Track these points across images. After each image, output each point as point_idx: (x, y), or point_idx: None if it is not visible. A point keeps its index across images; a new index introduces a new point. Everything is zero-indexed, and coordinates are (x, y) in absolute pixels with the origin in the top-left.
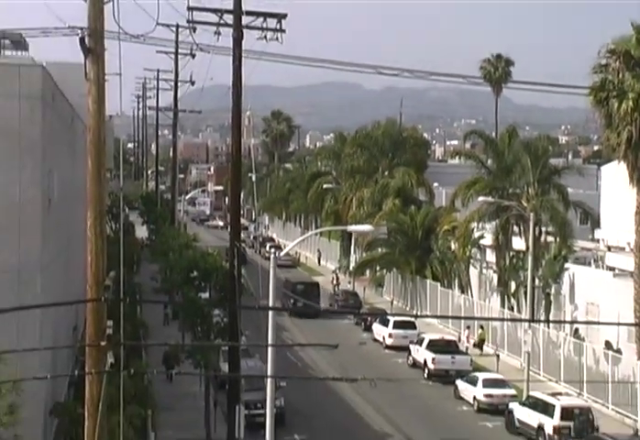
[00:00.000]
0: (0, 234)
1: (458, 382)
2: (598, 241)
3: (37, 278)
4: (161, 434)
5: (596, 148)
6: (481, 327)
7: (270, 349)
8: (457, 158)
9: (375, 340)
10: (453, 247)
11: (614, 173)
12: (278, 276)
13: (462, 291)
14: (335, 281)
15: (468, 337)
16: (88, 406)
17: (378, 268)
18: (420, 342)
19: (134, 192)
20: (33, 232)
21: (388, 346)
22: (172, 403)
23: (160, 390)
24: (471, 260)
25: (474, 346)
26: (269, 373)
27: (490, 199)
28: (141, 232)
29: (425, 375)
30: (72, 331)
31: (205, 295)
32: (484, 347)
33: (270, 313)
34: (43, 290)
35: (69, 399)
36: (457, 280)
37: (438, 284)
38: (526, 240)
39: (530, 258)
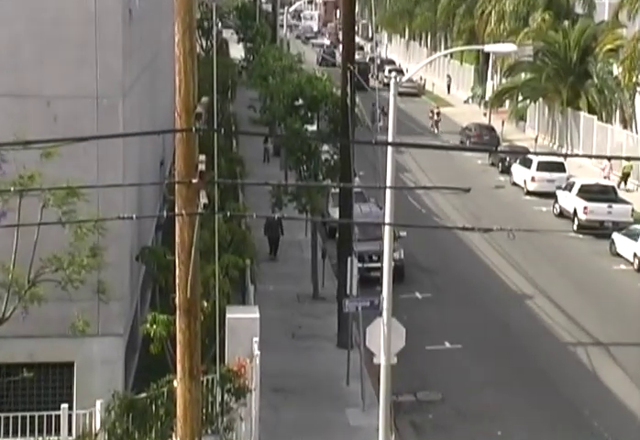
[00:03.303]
0: (74, 52)
1: (616, 236)
2: None
3: (118, 104)
4: (262, 288)
5: None
6: (627, 160)
7: (388, 192)
8: None
9: (514, 184)
10: (616, 71)
11: None
12: (398, 105)
13: (624, 127)
14: (434, 116)
15: (607, 171)
16: (179, 252)
17: (520, 97)
18: (569, 187)
19: (227, 2)
20: (112, 50)
21: (530, 192)
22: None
23: (260, 239)
24: (638, 88)
25: (620, 181)
26: (386, 220)
27: None
28: (237, 51)
29: (575, 226)
30: (159, 166)
31: (313, 127)
32: (629, 181)
33: (390, 149)
34: (126, 117)
35: (156, 243)
36: (618, 113)
37: (595, 118)
38: None
39: None
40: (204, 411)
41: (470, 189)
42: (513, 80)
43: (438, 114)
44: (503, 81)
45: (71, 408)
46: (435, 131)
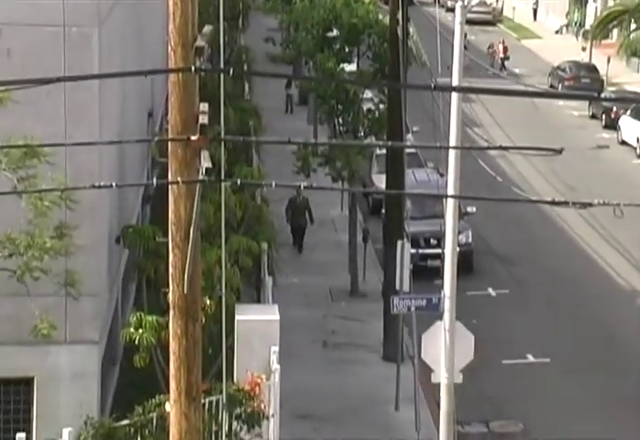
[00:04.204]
0: None
1: None
2: None
3: (92, 34)
4: (283, 282)
5: None
6: None
7: (452, 154)
8: None
9: (623, 143)
10: None
11: None
12: (467, 38)
13: None
14: (498, 52)
15: None
16: (173, 233)
17: (632, 25)
18: None
19: None
20: None
21: None
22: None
23: (280, 216)
24: None
25: None
26: (449, 192)
27: None
28: None
29: None
30: (147, 118)
31: (351, 67)
32: None
33: (454, 96)
34: (102, 53)
35: (143, 221)
36: None
37: None
38: None
39: None
40: None
41: (563, 149)
42: (624, 1)
43: (505, 49)
44: (610, 3)
45: (29, 437)
46: (502, 72)
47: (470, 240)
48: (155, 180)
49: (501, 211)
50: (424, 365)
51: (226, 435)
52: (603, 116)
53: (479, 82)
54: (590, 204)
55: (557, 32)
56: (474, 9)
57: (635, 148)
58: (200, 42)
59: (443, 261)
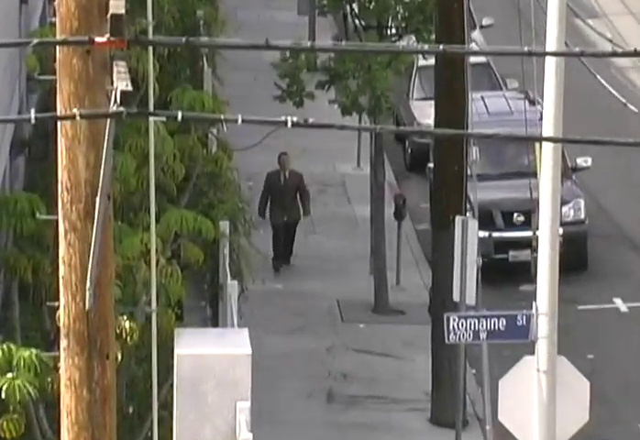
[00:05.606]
0: None
1: None
2: None
3: None
4: (257, 288)
5: None
6: None
7: (550, 65)
8: None
9: None
10: None
11: None
12: None
13: None
14: None
15: None
16: (66, 205)
17: None
18: None
19: None
20: None
21: None
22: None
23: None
24: None
25: None
26: (545, 131)
27: None
28: None
29: None
30: (19, 6)
31: None
32: None
33: None
34: None
35: (13, 185)
36: None
37: None
38: None
39: None
40: None
41: None
42: None
43: None
44: None
45: None
46: None
47: (583, 215)
48: (33, 113)
49: (636, 165)
50: (502, 431)
51: None
52: None
53: None
54: None
55: None
56: None
57: None
58: None
59: (536, 252)
